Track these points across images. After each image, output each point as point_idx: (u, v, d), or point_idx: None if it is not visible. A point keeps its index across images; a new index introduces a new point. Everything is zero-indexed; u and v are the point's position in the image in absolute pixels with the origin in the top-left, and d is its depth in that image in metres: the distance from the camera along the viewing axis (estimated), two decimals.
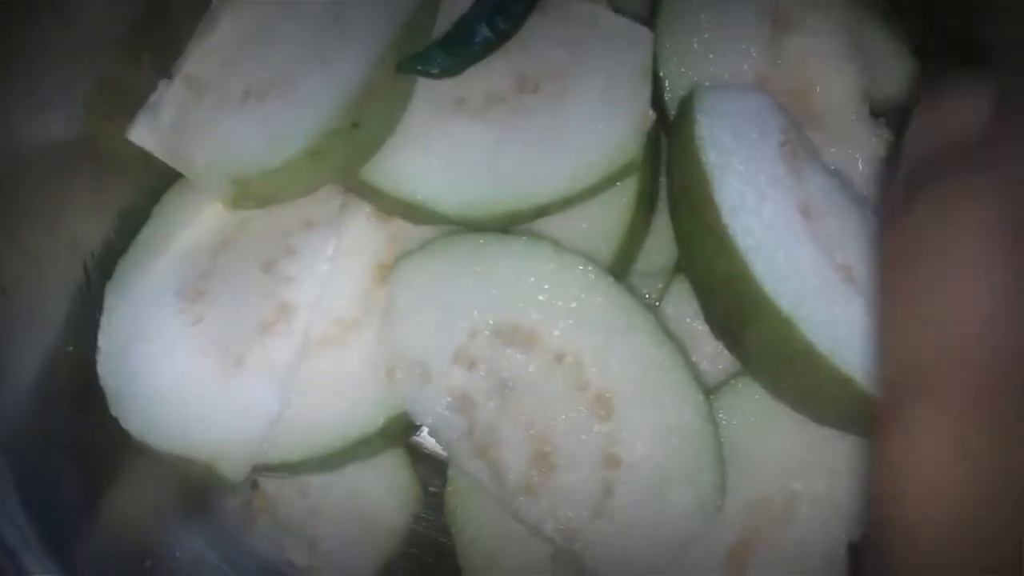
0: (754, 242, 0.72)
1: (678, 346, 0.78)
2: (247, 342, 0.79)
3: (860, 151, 0.83)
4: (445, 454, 0.83)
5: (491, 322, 0.77)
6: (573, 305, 0.77)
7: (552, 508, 0.77)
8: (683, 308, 0.85)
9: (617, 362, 0.77)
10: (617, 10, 0.82)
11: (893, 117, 0.84)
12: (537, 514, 0.77)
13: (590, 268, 0.77)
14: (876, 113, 0.84)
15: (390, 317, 0.79)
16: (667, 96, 0.82)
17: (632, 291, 0.79)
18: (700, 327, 0.84)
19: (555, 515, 0.77)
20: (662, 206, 0.84)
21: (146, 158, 0.78)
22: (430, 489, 0.90)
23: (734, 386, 0.81)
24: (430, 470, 0.92)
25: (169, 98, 0.78)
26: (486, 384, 0.77)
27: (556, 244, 0.78)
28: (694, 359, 0.83)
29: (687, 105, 0.77)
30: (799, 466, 0.79)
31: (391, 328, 0.78)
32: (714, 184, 0.73)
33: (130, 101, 0.81)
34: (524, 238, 0.78)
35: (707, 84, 0.80)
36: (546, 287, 0.77)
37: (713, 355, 0.84)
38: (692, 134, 0.75)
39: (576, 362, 0.77)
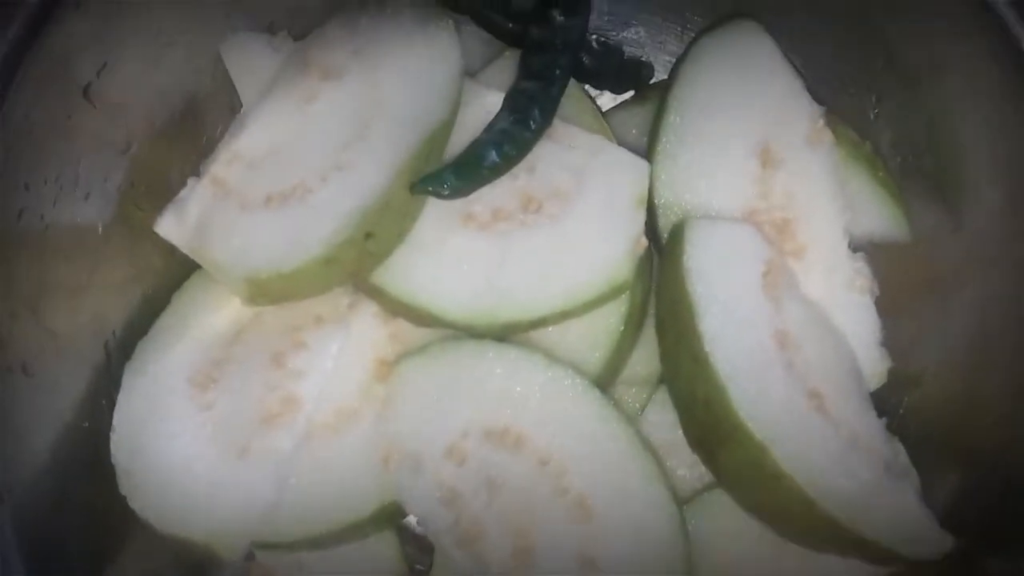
0: (732, 371, 0.74)
1: (656, 458, 0.79)
2: (252, 431, 0.80)
3: (839, 282, 0.84)
4: (429, 537, 0.83)
5: (482, 424, 0.78)
6: (560, 414, 0.78)
7: None
8: (664, 417, 0.85)
9: (598, 470, 0.77)
10: (620, 142, 0.84)
11: (871, 252, 0.86)
12: None
13: (578, 380, 0.78)
14: (855, 248, 0.85)
15: (388, 411, 0.79)
16: (660, 223, 0.83)
17: (616, 403, 0.80)
18: (679, 436, 0.84)
19: None
20: (649, 322, 0.85)
21: (170, 249, 0.79)
22: (417, 567, 0.90)
23: (709, 497, 0.82)
24: (417, 550, 0.91)
25: (196, 196, 0.79)
26: (474, 480, 0.78)
27: (548, 356, 0.79)
28: (671, 465, 0.84)
29: (678, 235, 0.79)
30: (784, 553, 0.80)
31: (388, 421, 0.79)
32: (699, 313, 0.75)
33: (159, 194, 0.82)
34: (518, 348, 0.79)
35: (697, 216, 0.82)
36: (536, 396, 0.78)
37: (690, 463, 0.84)
38: (681, 264, 0.77)
39: (560, 468, 0.78)
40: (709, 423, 0.76)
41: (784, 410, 0.74)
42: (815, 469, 0.73)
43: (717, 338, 0.74)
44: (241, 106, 0.85)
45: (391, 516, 0.83)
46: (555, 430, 0.78)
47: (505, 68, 0.86)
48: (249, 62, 0.84)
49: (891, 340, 0.85)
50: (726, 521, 0.81)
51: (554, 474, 0.78)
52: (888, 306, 0.85)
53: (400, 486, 0.79)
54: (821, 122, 0.84)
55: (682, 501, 0.81)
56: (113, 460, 0.79)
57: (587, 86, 0.92)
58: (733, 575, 0.81)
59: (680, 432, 0.84)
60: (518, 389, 0.78)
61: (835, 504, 0.72)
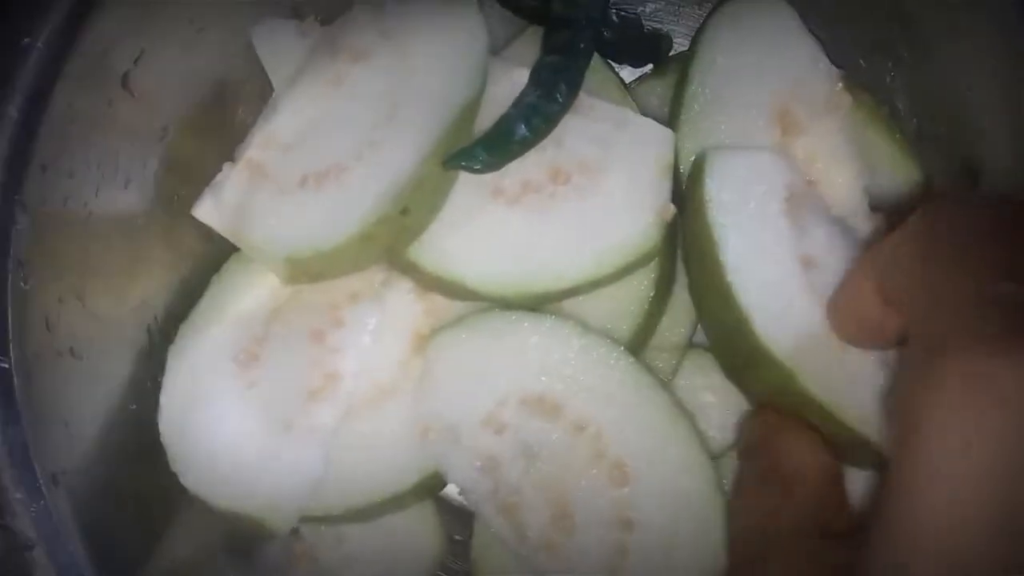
0: (755, 299, 0.74)
1: (689, 420, 0.79)
2: (295, 407, 0.80)
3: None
4: (469, 506, 0.84)
5: (519, 392, 0.79)
6: (595, 381, 0.78)
7: (570, 565, 0.78)
8: (694, 381, 0.86)
9: (633, 434, 0.78)
10: (643, 112, 0.85)
11: (890, 212, 0.86)
12: (557, 570, 0.78)
13: (612, 347, 0.79)
14: (874, 208, 0.85)
15: (425, 383, 0.80)
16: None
17: (649, 368, 0.81)
18: (710, 399, 0.86)
19: (573, 572, 0.78)
20: (677, 289, 0.86)
21: (209, 233, 0.80)
22: (455, 538, 0.92)
23: None
24: (455, 520, 0.93)
25: (232, 180, 0.79)
26: (512, 449, 0.79)
27: (582, 324, 0.80)
28: (703, 428, 0.84)
29: (698, 167, 0.79)
30: None
31: (426, 393, 0.80)
32: (720, 244, 0.75)
33: (196, 180, 0.83)
34: (552, 317, 0.80)
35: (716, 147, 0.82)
36: (571, 363, 0.79)
37: (720, 425, 0.85)
38: (701, 196, 0.77)
39: (596, 433, 0.78)
40: (739, 349, 0.77)
41: (810, 335, 0.74)
42: (842, 393, 0.73)
43: (739, 268, 0.75)
44: (272, 91, 0.85)
45: (431, 487, 0.84)
46: (591, 396, 0.78)
47: (529, 44, 0.87)
48: (279, 48, 0.85)
49: None
50: None
51: (591, 439, 0.78)
52: None
53: (439, 457, 0.80)
54: (840, 86, 0.84)
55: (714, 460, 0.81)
56: (162, 440, 0.80)
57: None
58: None
59: (709, 395, 0.86)
60: (554, 357, 0.79)
61: (868, 427, 0.72)
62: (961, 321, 0.52)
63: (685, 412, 0.80)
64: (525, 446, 0.79)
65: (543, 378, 0.79)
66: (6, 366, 0.69)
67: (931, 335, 0.54)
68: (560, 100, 0.80)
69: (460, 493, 0.81)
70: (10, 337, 0.69)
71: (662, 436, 0.78)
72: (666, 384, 0.82)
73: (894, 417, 0.55)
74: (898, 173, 0.87)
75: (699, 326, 0.87)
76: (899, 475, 0.51)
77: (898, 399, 0.55)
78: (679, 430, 0.79)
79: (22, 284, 0.70)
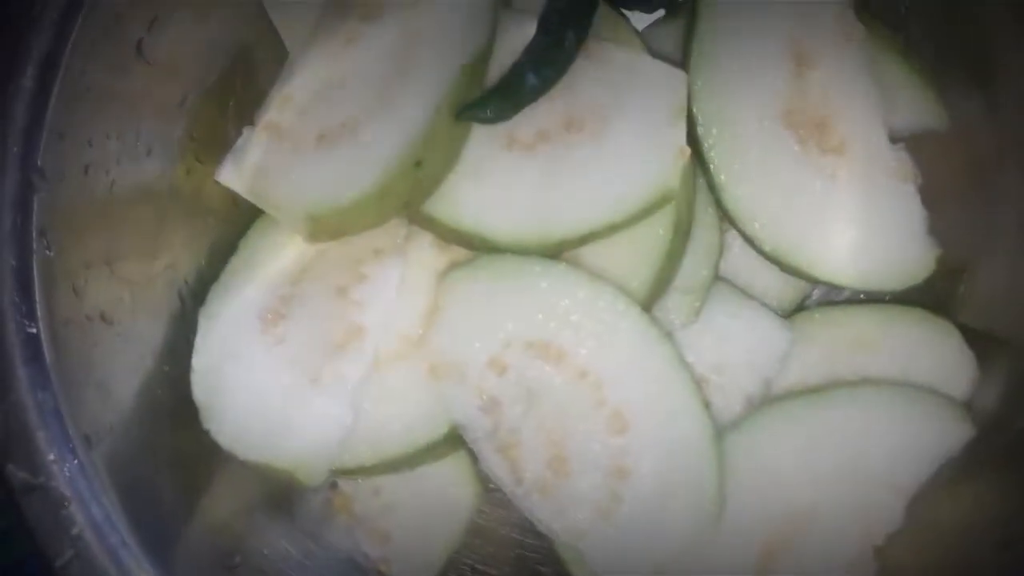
0: None
1: (689, 373, 0.77)
2: (323, 361, 0.78)
3: (882, 173, 0.80)
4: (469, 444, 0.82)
5: (525, 336, 0.76)
6: (600, 329, 0.76)
7: (562, 509, 0.77)
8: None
9: (634, 384, 0.76)
10: (654, 55, 0.81)
11: (911, 143, 0.82)
12: (549, 512, 0.77)
13: (619, 297, 0.76)
14: (894, 140, 0.81)
15: (437, 322, 0.78)
16: (700, 131, 0.80)
17: (655, 322, 0.78)
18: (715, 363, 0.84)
19: (564, 515, 0.77)
20: (699, 231, 0.83)
21: (233, 197, 0.78)
22: (490, 487, 0.89)
23: (747, 423, 0.81)
24: None
25: (252, 143, 0.77)
26: (514, 390, 0.77)
27: (591, 273, 0.77)
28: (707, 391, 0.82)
29: None
30: (824, 477, 0.77)
31: (436, 331, 0.78)
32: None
33: (218, 146, 0.80)
34: (563, 264, 0.77)
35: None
36: (578, 310, 0.76)
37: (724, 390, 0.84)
38: None
39: (597, 380, 0.76)
40: None
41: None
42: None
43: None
44: (287, 55, 0.83)
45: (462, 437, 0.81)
46: (595, 344, 0.76)
47: None
48: (292, 11, 0.82)
49: (938, 228, 0.81)
50: (782, 426, 0.79)
51: (592, 386, 0.76)
52: (932, 195, 0.81)
53: (444, 394, 0.77)
54: (851, 15, 0.80)
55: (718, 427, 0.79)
56: (195, 399, 0.78)
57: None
58: (788, 477, 0.78)
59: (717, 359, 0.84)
60: (562, 303, 0.76)
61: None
62: None
63: (686, 365, 0.77)
64: (527, 389, 0.77)
65: (550, 324, 0.76)
66: (34, 331, 0.67)
67: None
68: (568, 47, 0.76)
69: (460, 430, 0.78)
70: (37, 303, 0.67)
71: (663, 388, 0.76)
72: (670, 337, 0.79)
73: None
74: (917, 101, 0.83)
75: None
76: None
77: None
78: (679, 383, 0.76)
79: (47, 251, 0.68)
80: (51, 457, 0.67)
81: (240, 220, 0.84)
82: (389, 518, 0.87)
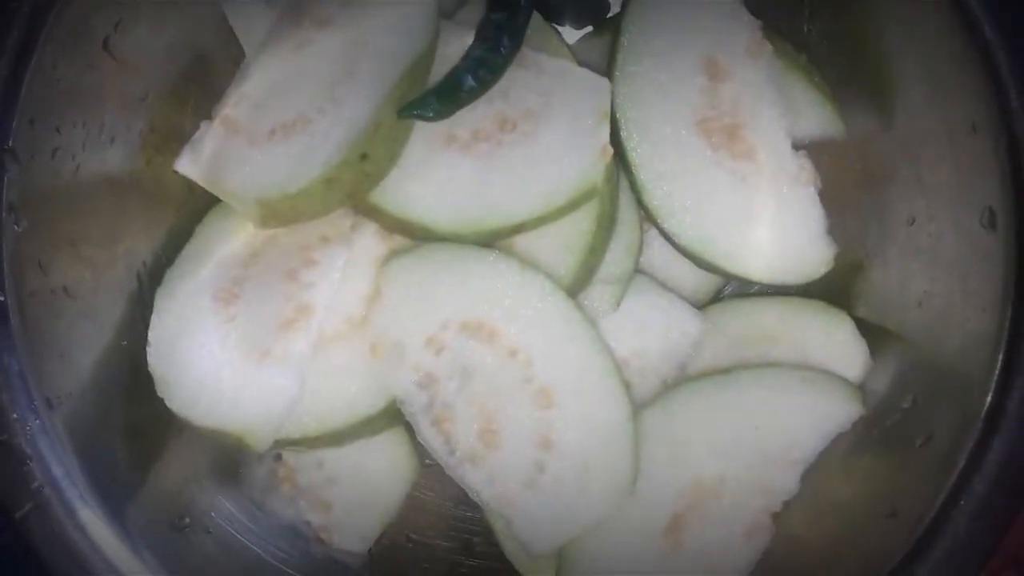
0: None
1: (610, 355, 0.82)
2: (271, 337, 0.82)
3: (786, 178, 0.86)
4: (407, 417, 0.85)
5: (461, 317, 0.81)
6: (529, 312, 0.80)
7: (491, 477, 0.81)
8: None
9: (560, 363, 0.80)
10: (581, 64, 0.86)
11: (812, 150, 0.88)
12: (478, 481, 0.81)
13: (548, 283, 0.81)
14: (797, 147, 0.87)
15: (378, 303, 0.82)
16: (623, 135, 0.85)
17: (580, 306, 0.82)
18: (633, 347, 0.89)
19: (493, 483, 0.81)
20: (622, 229, 0.88)
21: (190, 185, 0.81)
22: (426, 462, 0.93)
23: (663, 402, 0.85)
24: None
25: (209, 136, 0.80)
26: (449, 368, 0.81)
27: (521, 260, 0.81)
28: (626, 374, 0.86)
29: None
30: (729, 450, 0.82)
31: (378, 312, 0.82)
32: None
33: (177, 138, 0.84)
34: (495, 252, 0.81)
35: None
36: (510, 294, 0.80)
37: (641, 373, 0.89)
38: None
39: (527, 359, 0.80)
40: None
41: None
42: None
43: None
44: (244, 57, 0.87)
45: (400, 413, 0.85)
46: (525, 326, 0.80)
47: (477, 10, 0.87)
48: (250, 18, 0.86)
49: (835, 229, 0.87)
50: (695, 405, 0.84)
51: (522, 364, 0.80)
52: (831, 199, 0.87)
53: (384, 370, 0.81)
54: (760, 34, 0.86)
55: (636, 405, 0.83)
56: (151, 370, 0.81)
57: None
58: (698, 449, 0.83)
59: (636, 344, 0.89)
60: (495, 287, 0.80)
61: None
62: None
63: (608, 347, 0.82)
64: (461, 367, 0.81)
65: (484, 306, 0.80)
66: (1, 299, 0.71)
67: None
68: (504, 53, 0.81)
69: (398, 404, 0.82)
70: (5, 274, 0.71)
71: (585, 367, 0.81)
72: (593, 321, 0.84)
73: None
74: (819, 113, 0.89)
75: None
76: None
77: None
78: (602, 363, 0.81)
79: (15, 226, 0.72)
80: (14, 416, 0.70)
81: (196, 207, 0.87)
82: (330, 489, 0.91)
